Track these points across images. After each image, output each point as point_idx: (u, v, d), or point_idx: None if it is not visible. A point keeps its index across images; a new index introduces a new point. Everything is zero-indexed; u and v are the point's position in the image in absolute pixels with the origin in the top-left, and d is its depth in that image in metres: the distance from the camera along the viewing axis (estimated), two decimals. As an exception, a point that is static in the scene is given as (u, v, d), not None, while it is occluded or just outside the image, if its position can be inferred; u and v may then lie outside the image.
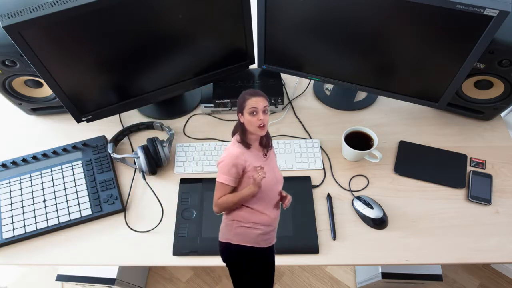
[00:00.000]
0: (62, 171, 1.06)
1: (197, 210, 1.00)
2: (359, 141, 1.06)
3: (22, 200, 1.01)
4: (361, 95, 1.28)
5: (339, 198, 1.03)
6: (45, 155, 1.09)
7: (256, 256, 0.79)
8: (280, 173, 0.79)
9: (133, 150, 1.15)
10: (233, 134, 0.77)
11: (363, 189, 1.05)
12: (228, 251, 0.79)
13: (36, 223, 0.97)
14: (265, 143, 0.77)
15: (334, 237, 0.95)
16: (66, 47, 0.90)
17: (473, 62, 0.94)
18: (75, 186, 1.04)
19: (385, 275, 1.28)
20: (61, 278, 1.30)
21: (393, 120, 1.21)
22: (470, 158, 1.10)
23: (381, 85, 1.11)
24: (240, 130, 0.74)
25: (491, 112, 1.13)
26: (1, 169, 1.07)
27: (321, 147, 1.13)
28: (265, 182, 0.73)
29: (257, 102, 0.72)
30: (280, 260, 0.93)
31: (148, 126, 1.18)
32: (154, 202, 1.03)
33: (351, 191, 1.04)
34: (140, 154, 1.03)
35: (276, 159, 0.81)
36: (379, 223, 0.96)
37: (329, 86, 1.30)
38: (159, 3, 0.91)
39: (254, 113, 0.71)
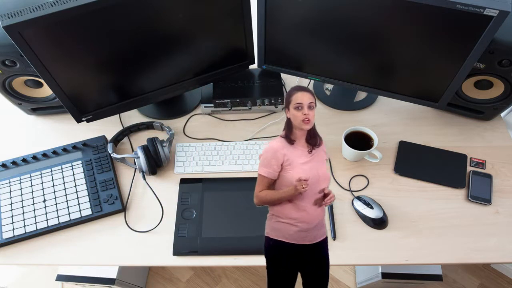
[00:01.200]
0: (62, 171, 1.06)
1: (197, 210, 1.00)
2: (359, 141, 1.06)
3: (22, 200, 1.01)
4: (361, 95, 1.28)
5: (339, 198, 1.03)
6: (45, 155, 1.09)
7: (293, 252, 0.78)
8: (325, 171, 0.78)
9: (133, 150, 1.15)
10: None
11: (363, 189, 1.05)
12: (266, 245, 0.80)
13: (36, 223, 0.97)
14: (312, 140, 0.77)
15: (334, 237, 0.95)
16: (66, 47, 0.90)
17: (473, 62, 0.94)
18: (75, 186, 1.04)
19: (385, 275, 1.28)
20: (61, 278, 1.30)
21: (393, 120, 1.21)
22: (470, 158, 1.10)
23: (381, 85, 1.11)
24: (286, 125, 0.77)
25: (491, 112, 1.13)
26: (1, 169, 1.07)
27: (321, 147, 1.13)
28: (308, 179, 0.74)
29: (303, 97, 0.73)
30: (280, 260, 0.93)
31: (148, 126, 1.18)
32: (154, 202, 1.03)
33: (351, 191, 1.04)
34: (140, 154, 1.03)
35: (326, 157, 0.81)
36: (379, 223, 0.96)
37: (329, 86, 1.30)
38: (159, 3, 0.91)
39: (299, 108, 0.73)
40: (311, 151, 0.77)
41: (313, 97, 0.75)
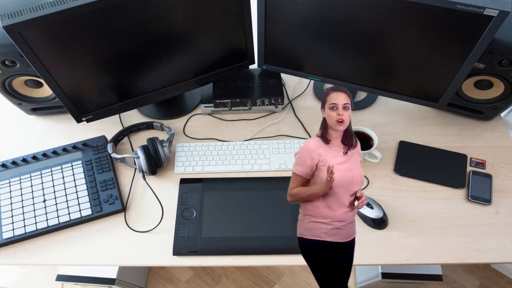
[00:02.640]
0: (62, 171, 1.06)
1: (197, 210, 1.00)
2: (359, 141, 1.06)
3: (22, 200, 1.01)
4: (361, 95, 1.28)
5: (339, 198, 1.03)
6: (45, 155, 1.09)
7: (329, 250, 0.78)
8: (360, 174, 0.77)
9: (133, 150, 1.15)
10: None
11: (363, 189, 1.05)
12: (303, 246, 0.80)
13: (36, 223, 0.97)
14: (348, 141, 0.77)
15: (334, 237, 0.95)
16: (66, 47, 0.90)
17: (473, 62, 0.94)
18: (75, 186, 1.04)
19: (385, 275, 1.27)
20: (61, 278, 1.30)
21: (393, 120, 1.21)
22: (470, 158, 1.10)
23: (381, 85, 1.11)
24: (322, 125, 0.77)
25: (491, 112, 1.13)
26: (1, 169, 1.07)
27: (321, 147, 1.13)
28: (339, 180, 0.74)
29: (338, 98, 0.74)
30: (280, 260, 0.93)
31: (148, 126, 1.18)
32: (154, 202, 1.03)
33: (351, 191, 1.04)
34: (140, 154, 1.03)
35: (361, 159, 0.79)
36: (379, 223, 0.96)
37: (329, 86, 1.30)
38: (159, 3, 0.91)
39: (334, 108, 0.73)
40: (346, 152, 0.76)
41: (349, 98, 0.74)
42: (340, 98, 0.73)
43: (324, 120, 0.76)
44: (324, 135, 0.77)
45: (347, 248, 0.79)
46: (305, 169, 0.76)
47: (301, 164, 0.76)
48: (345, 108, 0.73)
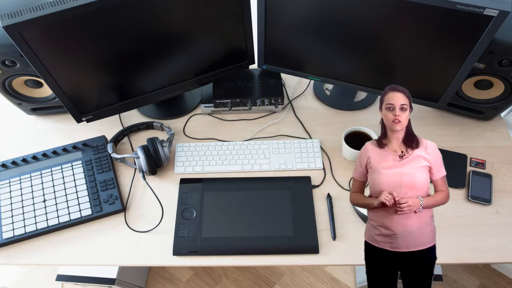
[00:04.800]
0: (62, 171, 1.06)
1: (197, 210, 1.00)
2: (359, 141, 1.06)
3: (22, 200, 1.01)
4: (361, 95, 1.28)
5: (339, 198, 1.03)
6: (45, 155, 1.09)
7: (380, 256, 0.77)
8: (412, 179, 0.73)
9: (133, 150, 1.15)
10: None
11: (363, 189, 1.05)
12: (365, 246, 0.81)
13: (36, 223, 0.97)
14: (408, 142, 0.74)
15: (334, 237, 0.95)
16: (66, 47, 0.90)
17: (473, 62, 0.94)
18: (75, 186, 1.04)
19: (385, 275, 1.27)
20: (61, 278, 1.30)
21: (393, 120, 1.21)
22: (470, 158, 1.10)
23: (381, 85, 1.11)
24: (381, 125, 0.76)
25: (491, 112, 1.13)
26: (1, 169, 1.07)
27: (321, 147, 1.13)
28: (384, 185, 0.73)
29: (395, 98, 0.72)
30: (280, 260, 0.93)
31: (148, 126, 1.18)
32: (154, 202, 1.03)
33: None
34: (140, 154, 1.03)
35: (426, 164, 0.75)
36: (379, 223, 0.96)
37: (329, 86, 1.30)
38: (159, 3, 0.91)
39: (391, 108, 0.72)
40: (402, 156, 0.74)
41: (408, 98, 0.72)
42: (397, 98, 0.71)
43: (382, 120, 0.74)
44: (381, 139, 0.76)
45: (407, 260, 0.75)
46: (357, 172, 0.79)
47: (355, 168, 0.80)
48: (402, 108, 0.71)
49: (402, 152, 0.75)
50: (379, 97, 1.26)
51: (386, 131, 0.75)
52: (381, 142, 0.76)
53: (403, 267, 0.77)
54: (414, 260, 0.76)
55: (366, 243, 0.80)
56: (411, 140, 0.74)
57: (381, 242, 0.77)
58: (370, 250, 0.79)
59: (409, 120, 0.74)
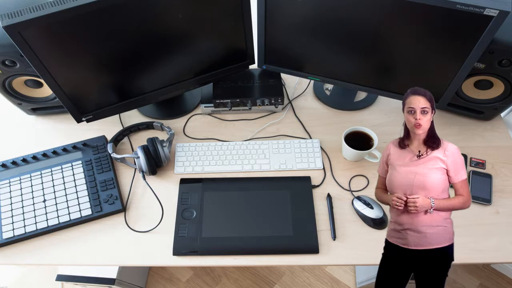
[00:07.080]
0: (62, 171, 1.06)
1: (197, 210, 1.00)
2: (359, 141, 1.06)
3: (22, 200, 1.01)
4: (361, 95, 1.28)
5: (339, 198, 1.03)
6: (45, 155, 1.09)
7: (390, 252, 0.80)
8: (425, 179, 0.73)
9: (133, 150, 1.15)
10: None
11: (363, 189, 1.05)
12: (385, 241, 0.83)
13: (36, 223, 0.97)
14: (428, 143, 0.74)
15: (334, 237, 0.95)
16: (66, 47, 0.90)
17: (473, 62, 0.94)
18: (75, 186, 1.04)
19: (385, 275, 1.27)
20: (61, 278, 1.30)
21: (393, 120, 1.21)
22: (470, 158, 1.10)
23: (381, 85, 1.11)
24: (404, 126, 0.77)
25: (491, 112, 1.13)
26: (1, 169, 1.07)
27: (321, 147, 1.13)
28: (397, 182, 0.76)
29: (416, 101, 0.71)
30: (280, 260, 0.93)
31: (148, 126, 1.18)
32: (154, 202, 1.03)
33: (351, 191, 1.04)
34: (140, 154, 1.03)
35: (443, 166, 0.74)
36: (379, 223, 0.96)
37: (329, 86, 1.30)
38: (159, 3, 0.91)
39: (412, 112, 0.72)
40: (419, 156, 0.74)
41: (429, 101, 0.71)
42: (417, 102, 0.71)
43: (405, 122, 0.76)
44: (403, 140, 0.78)
45: (418, 258, 0.75)
46: (380, 168, 0.83)
47: (379, 164, 0.83)
48: (423, 112, 0.71)
49: (419, 151, 0.75)
50: (379, 97, 1.27)
51: (409, 132, 0.76)
52: (403, 143, 0.78)
53: (415, 266, 0.78)
54: (426, 259, 0.76)
55: (386, 239, 0.83)
56: (432, 141, 0.75)
57: (394, 237, 0.78)
58: (386, 245, 0.81)
59: (432, 121, 0.74)
